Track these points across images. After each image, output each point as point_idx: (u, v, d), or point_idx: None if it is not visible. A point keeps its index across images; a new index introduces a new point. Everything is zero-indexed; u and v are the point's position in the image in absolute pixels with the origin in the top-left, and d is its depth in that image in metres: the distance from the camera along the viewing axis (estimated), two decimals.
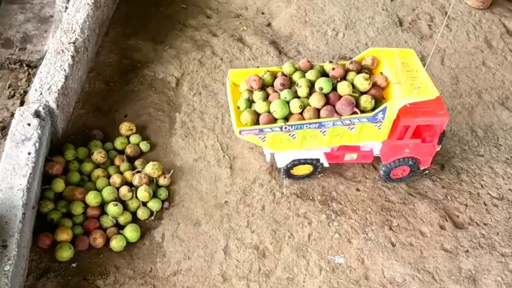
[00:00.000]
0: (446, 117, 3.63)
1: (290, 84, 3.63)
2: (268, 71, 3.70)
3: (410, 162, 3.79)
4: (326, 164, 3.73)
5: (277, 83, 3.59)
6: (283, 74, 3.70)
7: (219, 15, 5.03)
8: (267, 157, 3.80)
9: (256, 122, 3.47)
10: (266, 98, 3.58)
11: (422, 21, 5.19)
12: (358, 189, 3.88)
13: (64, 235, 3.26)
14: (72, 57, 3.73)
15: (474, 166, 4.13)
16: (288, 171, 3.73)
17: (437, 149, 3.81)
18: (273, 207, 3.70)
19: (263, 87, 3.64)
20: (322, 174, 3.89)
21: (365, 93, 3.58)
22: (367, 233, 3.64)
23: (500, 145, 4.29)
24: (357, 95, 3.53)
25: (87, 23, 3.98)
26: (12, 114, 4.19)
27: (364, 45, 4.89)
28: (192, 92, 4.28)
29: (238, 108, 3.55)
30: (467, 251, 3.65)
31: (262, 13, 5.13)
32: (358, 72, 3.67)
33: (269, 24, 5.04)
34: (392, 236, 3.66)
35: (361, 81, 3.55)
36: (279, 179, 3.84)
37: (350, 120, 3.46)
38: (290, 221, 3.64)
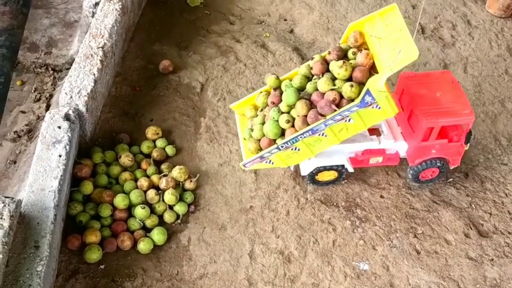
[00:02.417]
0: (472, 116, 3.55)
1: (280, 98, 3.55)
2: (262, 92, 3.66)
3: (439, 164, 3.74)
4: (351, 170, 3.73)
5: (269, 102, 3.57)
6: (275, 89, 3.65)
7: (242, 22, 5.07)
8: (291, 167, 3.81)
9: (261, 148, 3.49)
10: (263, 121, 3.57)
11: (445, 29, 5.19)
12: (382, 196, 3.88)
13: (93, 237, 3.30)
14: (101, 61, 3.78)
15: (498, 175, 4.11)
16: (312, 177, 3.74)
17: (466, 148, 3.75)
18: (298, 212, 3.71)
19: (262, 109, 3.64)
20: (346, 181, 3.90)
21: (349, 79, 3.38)
22: (392, 240, 3.64)
23: None
24: (336, 87, 3.36)
25: (115, 28, 4.03)
26: (38, 118, 4.26)
27: None
28: (216, 97, 4.32)
29: (245, 139, 3.58)
30: (492, 259, 3.63)
31: (285, 20, 5.17)
32: (339, 59, 3.47)
33: (292, 31, 5.08)
34: (417, 243, 3.66)
35: (337, 71, 3.36)
36: (303, 184, 3.85)
37: (340, 115, 3.32)
38: (315, 227, 3.65)
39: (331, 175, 3.76)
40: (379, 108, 3.33)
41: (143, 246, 3.36)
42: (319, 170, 3.69)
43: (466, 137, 3.69)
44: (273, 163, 3.57)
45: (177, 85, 4.35)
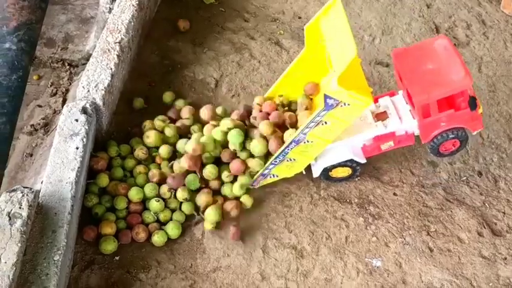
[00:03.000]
0: (468, 80, 3.34)
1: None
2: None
3: (454, 134, 3.58)
4: (363, 160, 3.67)
5: None
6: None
7: (256, 19, 5.09)
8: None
9: None
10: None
11: (459, 29, 5.19)
12: (395, 194, 3.89)
13: (108, 229, 3.34)
14: (118, 56, 3.82)
15: None
16: (326, 174, 3.76)
17: (480, 112, 3.59)
18: (311, 208, 3.73)
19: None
20: (359, 178, 3.91)
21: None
22: (405, 238, 3.65)
23: None
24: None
25: (132, 23, 4.07)
26: (55, 112, 4.31)
27: None
28: (230, 93, 4.35)
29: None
30: (505, 258, 3.63)
31: (299, 17, 5.18)
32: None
33: None
34: (430, 241, 3.66)
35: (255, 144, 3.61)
36: (317, 181, 3.87)
37: (313, 122, 3.32)
38: (327, 223, 3.66)
39: (345, 171, 3.77)
40: (349, 105, 3.27)
41: (157, 238, 3.39)
42: (329, 169, 3.68)
43: (469, 103, 3.48)
44: (277, 176, 3.65)
45: (191, 81, 4.38)
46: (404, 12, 5.23)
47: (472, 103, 3.50)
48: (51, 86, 4.45)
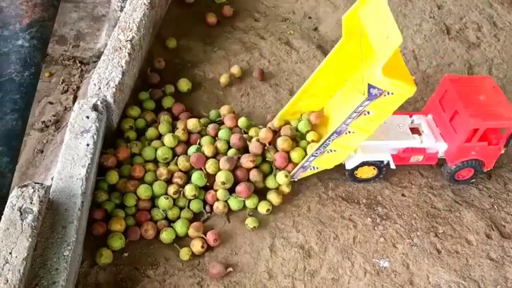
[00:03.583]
0: None
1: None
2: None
3: (476, 165, 3.82)
4: (393, 166, 3.77)
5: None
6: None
7: (266, 19, 5.10)
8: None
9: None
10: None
11: (470, 30, 5.17)
12: (403, 195, 3.89)
13: (117, 225, 3.37)
14: (129, 54, 3.84)
15: None
16: (352, 174, 3.80)
17: (502, 152, 3.82)
18: (319, 208, 3.73)
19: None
20: None
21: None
22: (413, 239, 3.65)
23: None
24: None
25: (143, 21, 4.09)
26: (65, 109, 4.35)
27: (410, 52, 4.90)
28: (240, 93, 4.36)
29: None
30: None
31: (309, 18, 5.19)
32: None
33: (316, 29, 5.10)
34: (437, 242, 3.65)
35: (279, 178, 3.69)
36: (325, 181, 3.88)
37: (356, 112, 3.34)
38: (335, 223, 3.67)
39: (370, 172, 3.80)
40: (392, 94, 3.28)
41: (165, 236, 3.41)
42: (362, 164, 3.74)
43: (506, 141, 3.76)
44: (317, 168, 3.70)
45: (202, 80, 4.40)
46: (415, 13, 5.22)
47: (508, 141, 3.78)
48: (62, 83, 4.49)
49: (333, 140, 3.52)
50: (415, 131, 3.91)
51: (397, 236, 3.65)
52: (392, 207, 3.80)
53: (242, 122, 3.93)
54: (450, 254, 3.60)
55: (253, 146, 3.72)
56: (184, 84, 4.24)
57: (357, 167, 3.77)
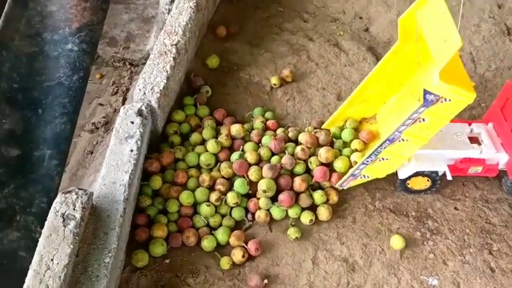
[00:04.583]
0: None
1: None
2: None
3: None
4: (449, 177, 3.58)
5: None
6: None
7: (315, 20, 4.97)
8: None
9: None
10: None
11: None
12: (456, 208, 3.68)
13: (160, 231, 3.37)
14: (174, 58, 3.84)
15: None
16: (403, 183, 3.65)
17: None
18: (365, 220, 3.60)
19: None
20: None
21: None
22: (465, 256, 3.45)
23: None
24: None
25: (189, 25, 4.08)
26: (115, 110, 4.40)
27: (468, 54, 4.64)
28: (286, 97, 4.27)
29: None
30: None
31: (360, 18, 5.01)
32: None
33: (367, 30, 4.92)
34: (491, 260, 3.44)
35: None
36: (372, 191, 3.73)
37: (410, 119, 3.18)
38: (382, 236, 3.52)
39: (423, 183, 3.63)
40: (450, 100, 3.09)
41: (207, 243, 3.39)
42: (416, 174, 3.58)
43: None
44: (368, 176, 3.57)
45: (247, 83, 4.34)
46: (473, 12, 4.93)
47: None
48: (112, 85, 4.55)
49: (385, 147, 3.37)
50: (474, 140, 3.68)
51: (448, 253, 3.46)
52: (444, 221, 3.61)
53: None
54: (505, 273, 3.38)
55: (300, 153, 3.66)
56: (214, 61, 4.30)
57: (409, 177, 3.60)
